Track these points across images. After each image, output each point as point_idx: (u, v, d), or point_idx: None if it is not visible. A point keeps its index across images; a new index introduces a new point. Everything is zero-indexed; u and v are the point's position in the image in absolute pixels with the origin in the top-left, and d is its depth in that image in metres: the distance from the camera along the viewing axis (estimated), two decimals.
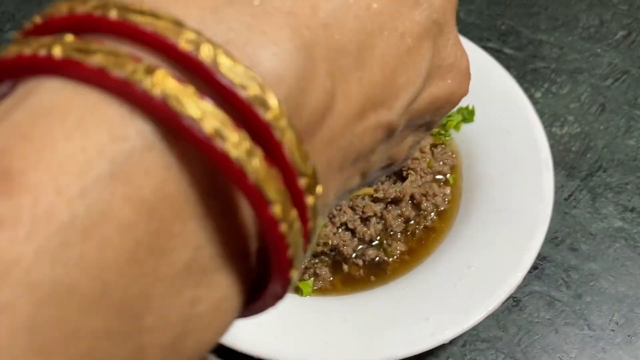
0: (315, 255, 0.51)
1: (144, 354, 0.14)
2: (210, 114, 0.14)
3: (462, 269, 0.48)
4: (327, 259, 0.51)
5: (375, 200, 0.52)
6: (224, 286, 0.16)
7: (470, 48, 0.60)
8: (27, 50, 0.14)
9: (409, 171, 0.53)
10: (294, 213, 0.15)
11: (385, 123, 0.19)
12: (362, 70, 0.18)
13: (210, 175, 0.15)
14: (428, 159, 0.55)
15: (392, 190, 0.52)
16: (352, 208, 0.51)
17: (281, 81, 0.15)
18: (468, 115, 0.57)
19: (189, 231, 0.14)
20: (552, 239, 0.54)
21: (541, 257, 0.53)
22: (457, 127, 0.58)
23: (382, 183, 0.53)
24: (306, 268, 0.51)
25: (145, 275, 0.14)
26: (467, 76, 0.23)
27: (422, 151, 0.54)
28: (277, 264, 0.16)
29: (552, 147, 0.56)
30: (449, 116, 0.58)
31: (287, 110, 0.15)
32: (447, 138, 0.58)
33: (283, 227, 0.15)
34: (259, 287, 0.17)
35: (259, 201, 0.14)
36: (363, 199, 0.51)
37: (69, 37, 0.14)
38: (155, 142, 0.14)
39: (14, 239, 0.12)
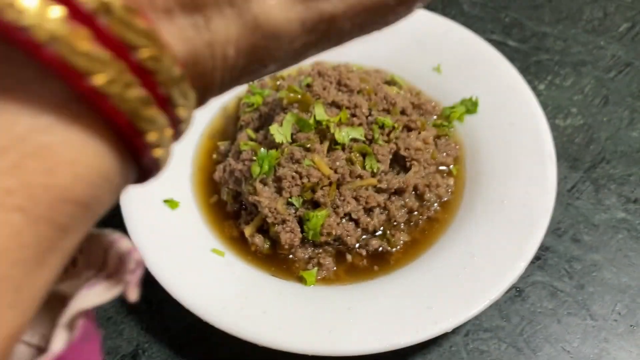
0: (319, 245, 0.51)
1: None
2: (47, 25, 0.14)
3: (465, 259, 0.48)
4: (330, 249, 0.52)
5: (378, 191, 0.52)
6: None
7: (474, 40, 0.61)
8: None
9: (413, 162, 0.54)
10: (128, 77, 0.16)
11: None
12: None
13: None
14: (432, 150, 0.55)
15: (395, 181, 0.52)
16: (355, 199, 0.52)
17: None
18: (472, 106, 0.58)
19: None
20: (555, 229, 0.55)
21: (544, 248, 0.54)
22: (460, 119, 0.58)
23: (386, 174, 0.53)
24: (310, 258, 0.51)
25: None
26: None
27: (425, 142, 0.54)
28: (139, 154, 0.17)
29: (555, 138, 0.56)
30: (453, 108, 0.58)
31: None
32: (450, 129, 0.58)
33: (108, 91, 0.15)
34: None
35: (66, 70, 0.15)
36: (367, 189, 0.52)
37: None
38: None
39: None
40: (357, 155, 0.52)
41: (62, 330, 0.18)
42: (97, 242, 0.19)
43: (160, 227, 0.51)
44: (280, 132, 0.52)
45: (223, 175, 0.55)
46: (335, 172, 0.51)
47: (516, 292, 0.52)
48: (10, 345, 0.16)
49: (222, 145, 0.58)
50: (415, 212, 0.54)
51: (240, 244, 0.53)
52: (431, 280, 0.48)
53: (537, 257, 0.53)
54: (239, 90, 0.61)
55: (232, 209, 0.54)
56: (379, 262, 0.51)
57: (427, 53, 0.62)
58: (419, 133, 0.55)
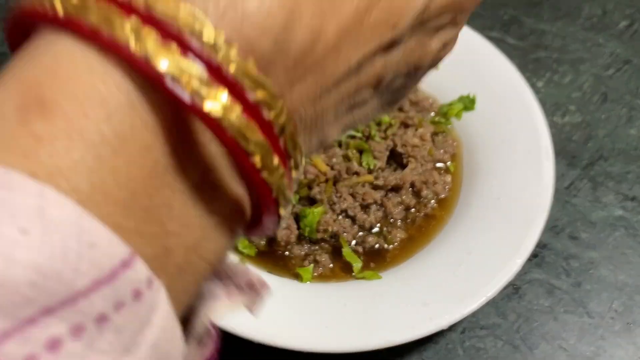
0: (316, 242, 0.51)
1: (171, 253, 0.17)
2: (189, 73, 0.15)
3: (461, 256, 0.48)
4: (327, 245, 0.52)
5: (375, 187, 0.52)
6: (230, 202, 0.18)
7: (473, 37, 0.60)
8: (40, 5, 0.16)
9: (410, 159, 0.53)
10: (275, 160, 0.17)
11: (387, 41, 0.20)
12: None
13: None
14: (429, 147, 0.55)
15: (392, 177, 0.52)
16: (352, 195, 0.51)
17: (267, 29, 0.17)
18: (469, 103, 0.58)
19: (200, 154, 0.17)
20: (552, 227, 0.55)
21: (541, 245, 0.53)
22: (458, 116, 0.58)
23: (383, 171, 0.53)
24: (306, 255, 0.51)
25: (164, 187, 0.17)
26: None
27: (422, 139, 0.54)
28: (264, 204, 0.18)
29: (553, 136, 0.56)
30: (451, 104, 0.58)
31: (253, 61, 0.17)
32: (448, 126, 0.58)
33: (264, 175, 0.17)
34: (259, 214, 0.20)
35: (239, 154, 0.17)
36: (363, 186, 0.52)
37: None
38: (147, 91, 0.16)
39: (53, 153, 0.15)
40: (354, 152, 0.52)
41: (193, 344, 0.19)
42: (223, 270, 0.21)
43: None
44: None
45: None
46: (332, 168, 0.51)
47: (513, 289, 0.52)
48: None
49: None
50: (412, 209, 0.53)
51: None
52: (427, 277, 0.48)
53: (534, 255, 0.53)
54: None
55: None
56: (376, 259, 0.51)
57: None
58: (416, 130, 0.55)
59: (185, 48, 0.16)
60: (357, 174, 0.52)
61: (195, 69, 0.16)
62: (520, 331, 0.50)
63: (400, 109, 0.56)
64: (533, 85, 0.63)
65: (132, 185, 0.16)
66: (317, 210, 0.50)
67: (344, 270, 0.51)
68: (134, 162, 0.16)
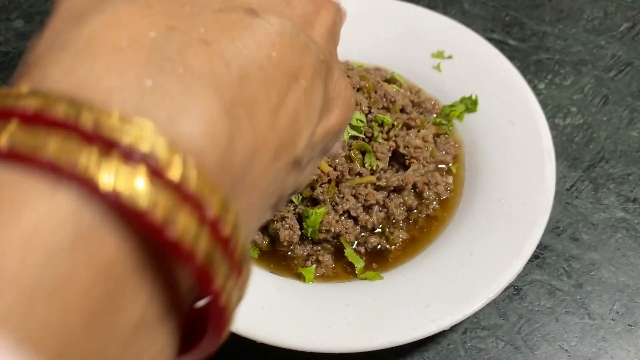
0: (318, 242, 0.52)
1: None
2: (161, 201, 0.15)
3: (463, 257, 0.48)
4: (329, 246, 0.52)
5: (377, 188, 0.52)
6: (164, 337, 0.18)
7: (475, 39, 0.61)
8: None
9: (412, 160, 0.54)
10: (232, 282, 0.17)
11: (293, 160, 0.22)
12: (273, 117, 0.20)
13: (155, 247, 0.16)
14: (431, 149, 0.55)
15: (394, 178, 0.52)
16: (355, 196, 0.52)
17: (213, 146, 0.17)
18: (471, 105, 0.58)
19: (139, 292, 0.16)
20: (553, 228, 0.55)
21: (543, 247, 0.54)
22: (460, 117, 0.58)
23: (385, 172, 0.53)
24: (309, 255, 0.51)
25: (102, 332, 0.15)
26: (351, 104, 0.27)
27: (425, 140, 0.55)
28: (214, 328, 0.19)
29: (555, 137, 0.56)
30: (453, 106, 0.58)
31: (210, 179, 0.17)
32: (450, 128, 0.58)
33: (223, 299, 0.17)
34: (192, 337, 0.19)
35: (207, 280, 0.17)
36: (366, 187, 0.52)
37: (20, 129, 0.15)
38: (108, 218, 0.15)
39: None
40: (357, 153, 0.53)
41: None
42: None
43: None
44: None
45: None
46: (335, 169, 0.52)
47: (514, 290, 0.52)
48: None
49: None
50: (414, 210, 0.54)
51: None
52: (429, 278, 0.48)
53: (535, 256, 0.53)
54: None
55: None
56: (378, 259, 0.52)
57: (427, 51, 0.62)
58: (419, 131, 0.55)
59: (156, 175, 0.15)
60: (359, 174, 0.52)
61: (164, 196, 0.15)
62: (522, 332, 0.50)
63: (403, 111, 0.56)
64: (534, 87, 0.63)
65: (67, 336, 0.14)
66: (320, 210, 0.50)
67: (346, 271, 0.51)
68: (71, 308, 0.15)
